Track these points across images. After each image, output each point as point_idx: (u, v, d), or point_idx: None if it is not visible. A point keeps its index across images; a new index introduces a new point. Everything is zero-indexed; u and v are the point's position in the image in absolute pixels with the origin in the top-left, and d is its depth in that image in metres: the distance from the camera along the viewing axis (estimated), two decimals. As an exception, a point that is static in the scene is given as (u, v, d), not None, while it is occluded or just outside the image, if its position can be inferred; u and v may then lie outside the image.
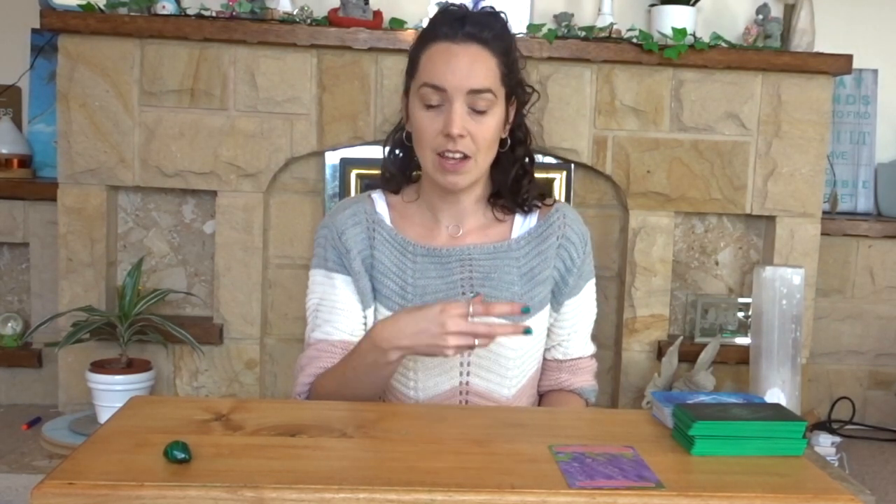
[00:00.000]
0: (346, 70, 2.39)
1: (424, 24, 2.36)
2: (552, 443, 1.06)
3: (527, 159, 1.49)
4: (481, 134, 1.36)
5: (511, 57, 1.41)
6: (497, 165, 1.45)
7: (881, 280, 2.72)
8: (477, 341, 1.24)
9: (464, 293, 1.40)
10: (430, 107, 1.36)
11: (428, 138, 1.37)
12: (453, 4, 1.45)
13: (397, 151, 1.50)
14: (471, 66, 1.35)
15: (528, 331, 1.27)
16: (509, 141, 1.45)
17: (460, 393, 1.41)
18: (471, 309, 1.23)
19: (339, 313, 1.43)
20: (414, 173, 1.51)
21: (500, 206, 1.48)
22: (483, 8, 1.43)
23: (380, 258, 1.42)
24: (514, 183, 1.47)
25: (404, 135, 1.46)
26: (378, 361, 1.30)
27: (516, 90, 1.44)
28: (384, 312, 1.41)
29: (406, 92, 1.44)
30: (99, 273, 2.40)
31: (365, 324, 1.44)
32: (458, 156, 1.36)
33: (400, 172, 1.50)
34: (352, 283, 1.43)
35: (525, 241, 1.46)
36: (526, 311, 1.27)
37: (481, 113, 1.36)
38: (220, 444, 1.02)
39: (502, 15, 1.44)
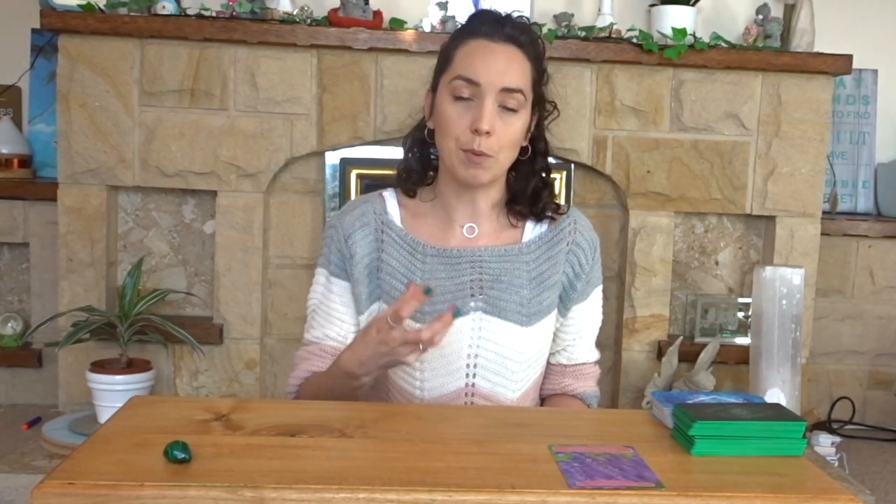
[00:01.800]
0: (346, 70, 2.39)
1: (425, 24, 2.38)
2: (552, 443, 1.06)
3: (544, 172, 1.50)
4: (506, 134, 1.37)
5: (542, 65, 1.43)
6: (517, 173, 1.46)
7: (881, 280, 2.73)
8: (421, 346, 1.23)
9: (472, 295, 1.40)
10: (459, 99, 1.37)
11: (455, 131, 1.37)
12: (484, 10, 1.47)
13: (416, 150, 1.50)
14: (507, 65, 1.36)
15: (456, 314, 1.24)
16: (530, 150, 1.46)
17: (466, 395, 1.41)
18: (390, 321, 1.21)
19: (334, 321, 1.45)
20: (429, 174, 1.51)
21: (515, 212, 1.48)
22: (520, 16, 1.44)
23: (388, 260, 1.42)
24: (533, 194, 1.47)
25: (426, 132, 1.46)
26: (353, 385, 1.32)
27: (541, 100, 1.46)
28: None
29: (433, 88, 1.44)
30: (99, 273, 2.40)
31: (357, 330, 1.45)
32: (480, 155, 1.36)
33: (418, 170, 1.49)
34: (350, 290, 1.44)
35: (536, 245, 1.47)
36: (428, 293, 1.24)
37: (510, 113, 1.37)
38: (220, 444, 1.02)
39: (534, 24, 1.47)
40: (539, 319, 1.44)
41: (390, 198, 1.48)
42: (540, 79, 1.43)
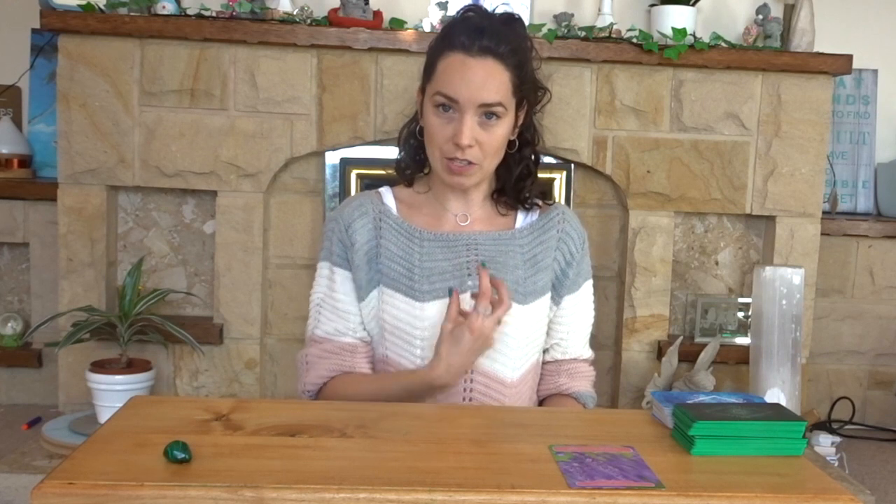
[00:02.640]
0: (346, 70, 2.39)
1: (425, 24, 2.38)
2: (552, 443, 1.06)
3: (532, 159, 1.54)
4: (489, 142, 1.42)
5: (525, 68, 1.45)
6: (503, 164, 1.50)
7: (881, 280, 2.72)
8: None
9: (469, 275, 1.44)
10: (442, 110, 1.41)
11: (438, 142, 1.42)
12: (471, 10, 1.47)
13: (411, 142, 1.54)
14: (484, 81, 1.39)
15: (483, 263, 1.38)
16: (517, 142, 1.50)
17: (466, 372, 1.43)
18: (480, 310, 1.33)
19: (341, 315, 1.48)
20: (425, 164, 1.55)
21: (503, 202, 1.54)
22: (503, 14, 1.45)
23: (386, 245, 1.46)
24: (517, 182, 1.52)
25: (417, 129, 1.51)
26: (434, 393, 1.40)
27: (528, 94, 1.48)
28: (391, 294, 1.44)
29: (422, 89, 1.48)
30: (99, 273, 2.40)
31: (362, 321, 1.49)
32: (464, 163, 1.41)
33: (414, 163, 1.54)
34: (351, 280, 1.48)
35: (528, 231, 1.52)
36: (484, 266, 1.35)
37: (491, 123, 1.41)
38: (220, 444, 1.02)
39: (519, 19, 1.47)
40: (535, 299, 1.48)
41: (386, 193, 1.55)
42: (522, 81, 1.44)
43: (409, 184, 1.55)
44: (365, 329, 1.49)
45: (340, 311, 1.48)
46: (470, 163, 1.41)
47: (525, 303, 1.46)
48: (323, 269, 1.51)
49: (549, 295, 1.51)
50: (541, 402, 1.57)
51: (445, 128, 1.40)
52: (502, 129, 1.42)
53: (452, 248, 1.47)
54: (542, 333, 1.53)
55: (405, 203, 1.53)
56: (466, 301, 1.42)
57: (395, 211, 1.51)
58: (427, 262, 1.45)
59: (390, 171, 1.58)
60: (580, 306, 1.56)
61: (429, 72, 1.45)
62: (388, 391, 1.40)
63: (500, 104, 1.40)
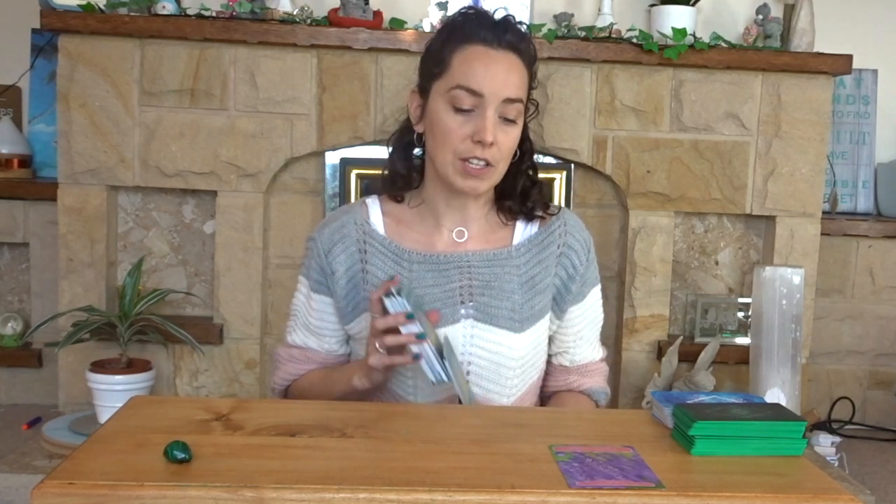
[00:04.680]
0: (346, 70, 2.39)
1: (425, 24, 2.38)
2: (552, 443, 1.06)
3: (531, 170, 1.47)
4: (507, 143, 1.35)
5: (534, 71, 1.41)
6: (505, 173, 1.43)
7: (881, 280, 2.73)
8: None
9: (462, 302, 1.38)
10: (459, 110, 1.33)
11: (454, 141, 1.33)
12: (472, 7, 1.43)
13: (401, 154, 1.47)
14: (508, 75, 1.33)
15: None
16: (518, 151, 1.43)
17: (459, 402, 1.40)
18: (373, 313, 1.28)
19: (316, 335, 1.47)
20: (415, 177, 1.48)
21: (505, 209, 1.46)
22: (508, 17, 1.40)
23: (373, 271, 1.40)
24: (522, 193, 1.45)
25: (415, 136, 1.43)
26: (356, 396, 1.35)
27: (530, 102, 1.43)
28: None
29: (422, 91, 1.40)
30: (99, 273, 2.40)
31: (347, 337, 1.47)
32: (482, 164, 1.34)
33: (405, 175, 1.46)
34: (331, 305, 1.44)
35: (525, 248, 1.44)
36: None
37: (509, 122, 1.35)
38: (220, 444, 1.02)
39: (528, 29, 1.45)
40: (532, 324, 1.41)
41: (373, 205, 1.46)
42: (532, 84, 1.41)
43: (399, 199, 1.46)
44: (342, 343, 1.47)
45: (316, 332, 1.46)
46: (487, 164, 1.33)
47: (521, 330, 1.39)
48: (302, 285, 1.47)
49: (548, 316, 1.45)
50: (549, 397, 1.52)
51: (464, 126, 1.32)
52: (518, 131, 1.37)
53: (444, 272, 1.39)
54: (541, 355, 1.48)
55: (394, 218, 1.44)
56: (461, 329, 1.37)
57: (383, 229, 1.42)
58: (417, 290, 1.37)
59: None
60: (587, 314, 1.50)
61: (439, 68, 1.35)
62: (324, 387, 1.41)
63: (520, 100, 1.34)
